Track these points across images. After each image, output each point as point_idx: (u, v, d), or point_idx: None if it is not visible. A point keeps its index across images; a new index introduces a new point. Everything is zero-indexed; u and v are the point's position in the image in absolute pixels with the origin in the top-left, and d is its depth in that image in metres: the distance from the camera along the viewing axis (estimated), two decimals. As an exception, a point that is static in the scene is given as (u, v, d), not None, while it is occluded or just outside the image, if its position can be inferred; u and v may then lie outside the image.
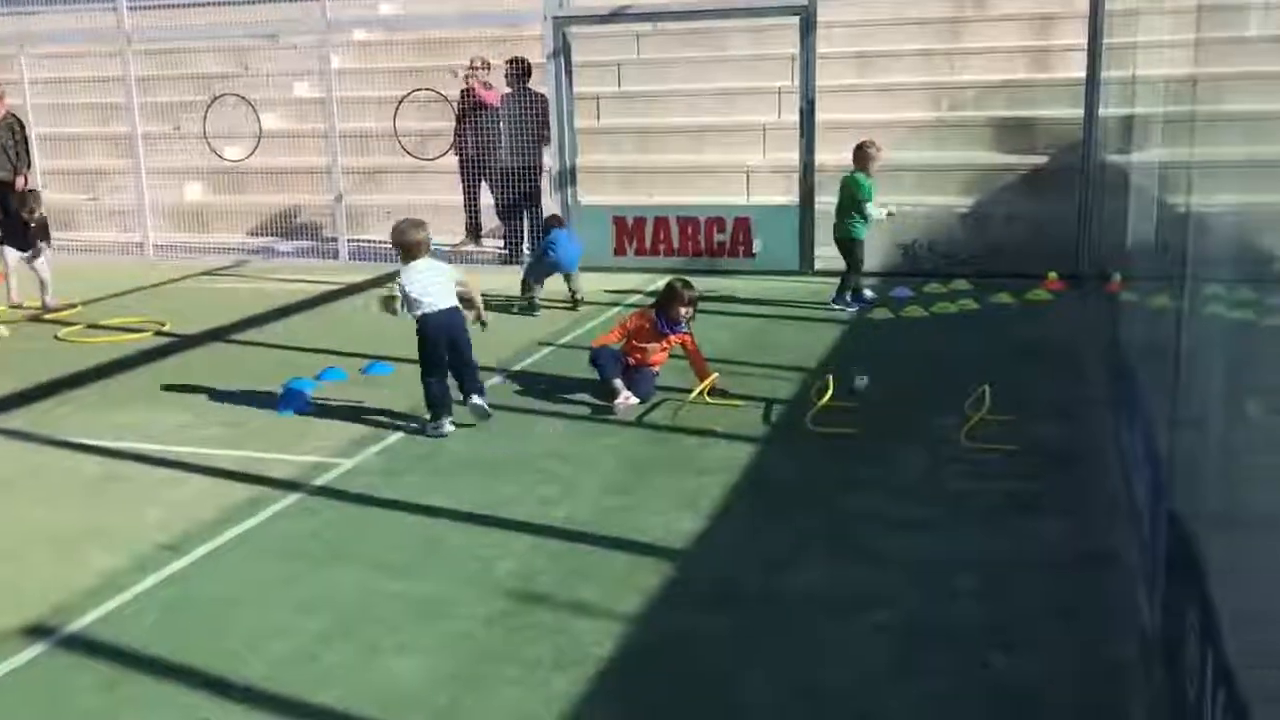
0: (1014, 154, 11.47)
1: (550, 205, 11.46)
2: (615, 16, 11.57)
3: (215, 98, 13.09)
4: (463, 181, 12.23)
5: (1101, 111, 9.49)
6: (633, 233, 11.35)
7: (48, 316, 10.05)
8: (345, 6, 13.35)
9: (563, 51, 11.30)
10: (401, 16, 15.36)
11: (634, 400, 6.87)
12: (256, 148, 12.99)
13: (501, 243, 12.23)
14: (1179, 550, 3.50)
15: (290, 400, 7.15)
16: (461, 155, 12.07)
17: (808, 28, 10.52)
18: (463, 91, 12.04)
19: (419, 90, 12.33)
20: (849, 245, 9.38)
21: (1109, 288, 6.89)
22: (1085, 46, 9.96)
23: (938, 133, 12.05)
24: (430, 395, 6.56)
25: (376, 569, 4.83)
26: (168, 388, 7.69)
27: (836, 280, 9.56)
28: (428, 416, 6.57)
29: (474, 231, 12.47)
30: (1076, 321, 8.66)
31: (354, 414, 6.93)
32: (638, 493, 5.59)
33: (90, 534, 5.27)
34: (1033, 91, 12.02)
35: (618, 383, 6.89)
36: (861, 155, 9.28)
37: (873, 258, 10.19)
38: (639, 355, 7.10)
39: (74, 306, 10.29)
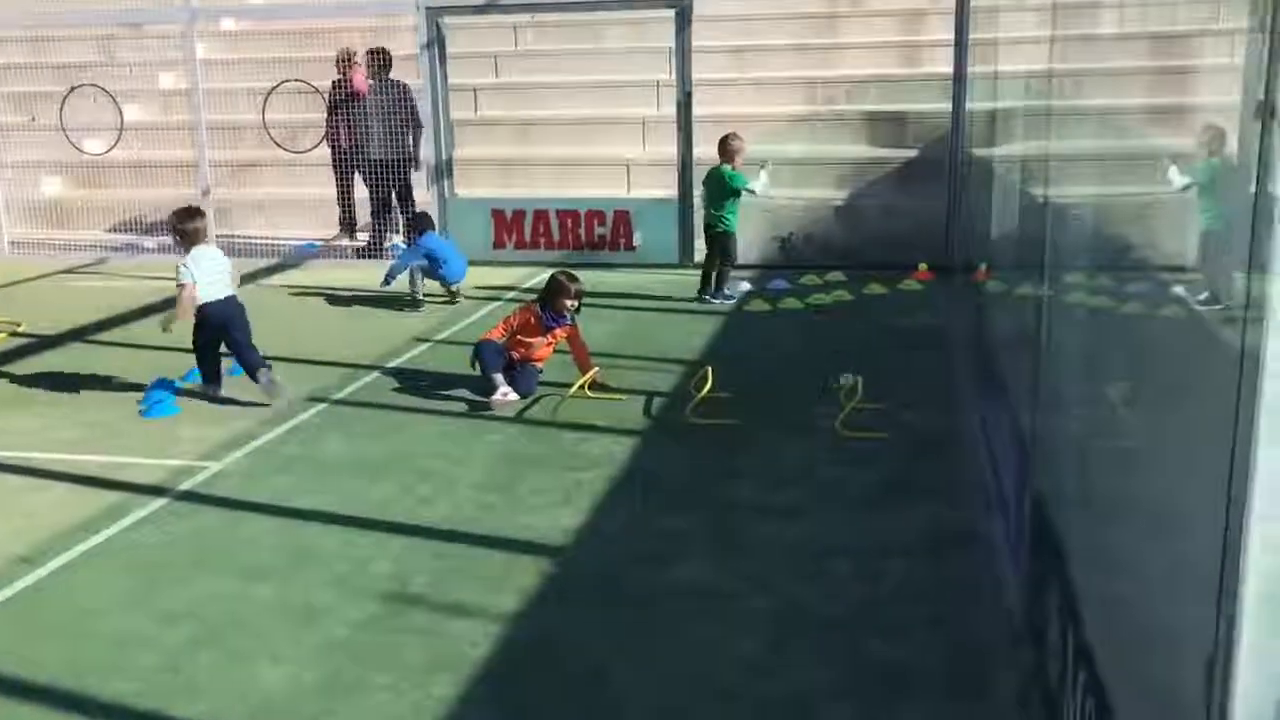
0: (887, 147, 11.70)
1: (427, 198, 11.30)
2: (490, 7, 11.45)
3: (73, 88, 12.55)
4: (335, 175, 11.98)
5: (968, 106, 9.73)
6: (512, 226, 11.26)
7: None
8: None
9: (437, 42, 11.14)
10: (272, 6, 14.93)
11: (513, 396, 6.81)
12: (118, 140, 12.51)
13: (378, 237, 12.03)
14: (1041, 533, 3.61)
15: (155, 402, 6.90)
16: (334, 148, 11.82)
17: (684, 21, 10.56)
18: (334, 82, 11.78)
19: (289, 81, 12.01)
20: (723, 239, 9.48)
21: (975, 277, 7.08)
22: (952, 42, 10.21)
23: (813, 127, 12.21)
24: (204, 372, 7.08)
25: (245, 575, 4.69)
26: (24, 391, 7.36)
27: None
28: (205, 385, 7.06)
29: (349, 226, 12.22)
30: (946, 311, 8.88)
31: (222, 415, 6.72)
32: (517, 490, 5.54)
33: (-63, 548, 5.01)
34: (904, 86, 12.27)
35: (498, 377, 6.82)
36: (726, 149, 9.41)
37: (750, 250, 10.31)
38: (523, 350, 7.03)
39: (-79, 308, 9.78)
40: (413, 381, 7.38)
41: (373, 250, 11.50)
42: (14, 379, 7.66)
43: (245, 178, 13.17)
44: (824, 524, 5.07)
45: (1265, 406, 1.44)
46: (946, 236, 10.16)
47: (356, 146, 11.61)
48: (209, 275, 6.87)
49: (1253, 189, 1.56)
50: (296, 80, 12.04)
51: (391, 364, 7.80)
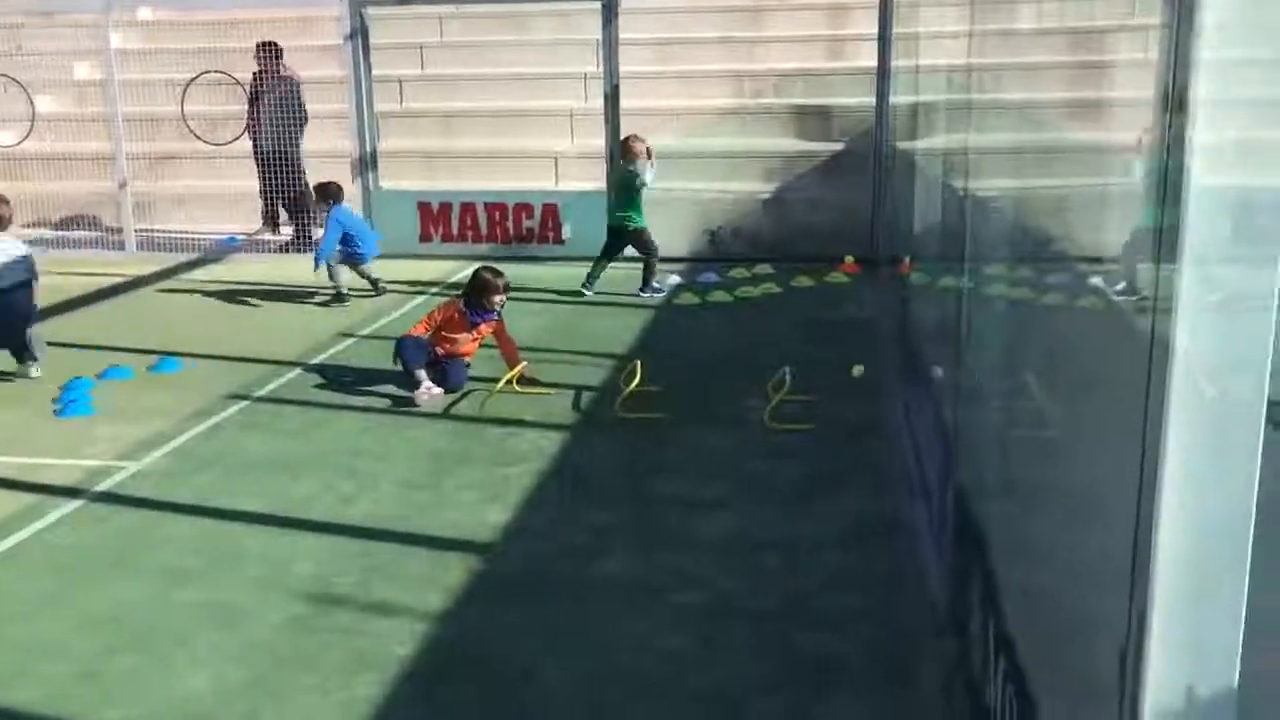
0: (813, 141, 11.77)
1: (350, 191, 11.14)
2: (415, -2, 11.32)
3: (-18, 78, 12.17)
4: (257, 168, 11.77)
5: (892, 99, 9.83)
6: (438, 219, 11.15)
7: None
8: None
9: (361, 33, 10.99)
10: (190, -6, 14.62)
11: (438, 391, 6.74)
12: (30, 132, 12.16)
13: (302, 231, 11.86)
14: (963, 523, 3.65)
15: (70, 402, 6.72)
16: (255, 140, 11.61)
17: (610, 13, 10.53)
18: (255, 74, 11.57)
19: (208, 72, 11.76)
20: (637, 235, 9.56)
21: (900, 270, 7.16)
22: (876, 35, 10.30)
23: (740, 120, 12.25)
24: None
25: (165, 577, 4.59)
26: (-70, 392, 7.13)
27: (642, 267, 9.66)
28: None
29: (271, 219, 12.01)
30: (871, 303, 8.97)
31: (141, 414, 6.56)
32: (443, 486, 5.49)
33: None
34: (829, 80, 12.36)
35: (420, 373, 6.75)
36: (628, 149, 9.60)
37: (679, 244, 10.32)
38: (448, 346, 6.96)
39: None
40: (337, 378, 7.27)
41: (298, 245, 11.32)
42: (-80, 379, 7.41)
43: (164, 171, 12.87)
44: (752, 517, 5.09)
45: (1175, 396, 1.46)
46: (872, 229, 10.26)
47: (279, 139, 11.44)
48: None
49: (1159, 180, 1.58)
50: (216, 71, 11.80)
51: (315, 360, 7.68)
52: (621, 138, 9.77)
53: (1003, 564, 3.07)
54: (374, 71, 11.31)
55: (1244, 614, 1.48)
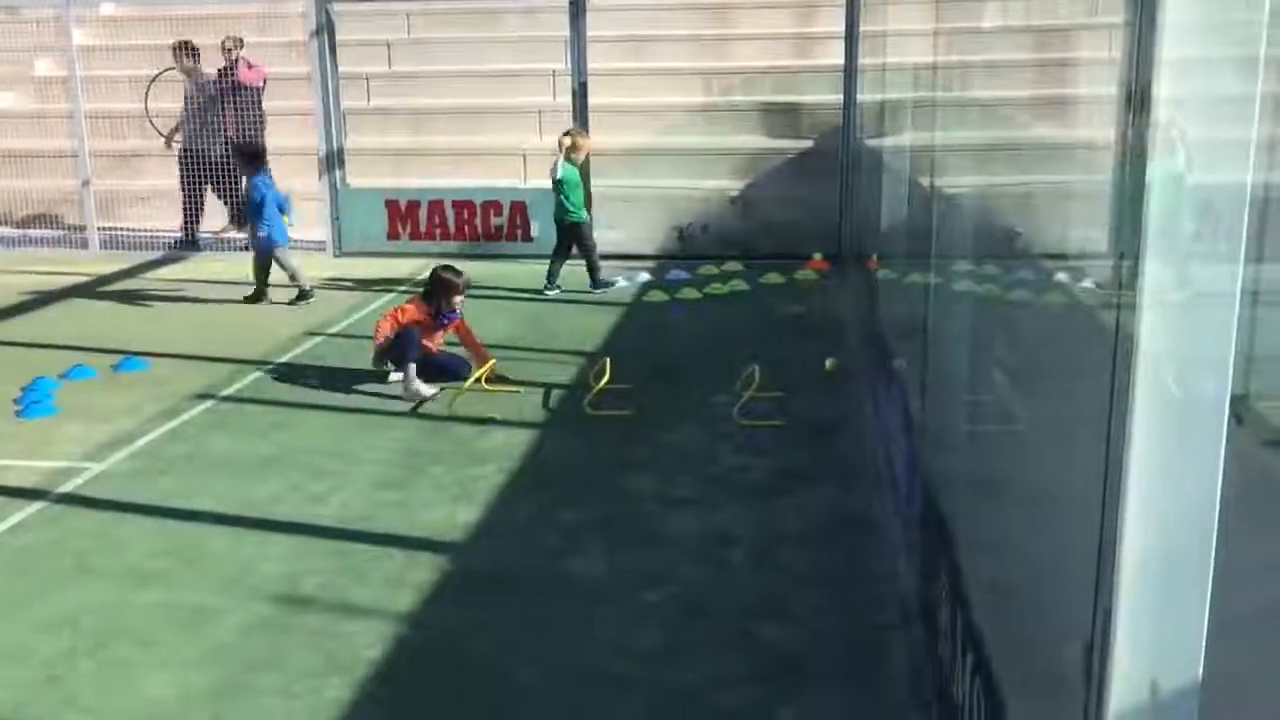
0: (782, 138, 11.79)
1: (319, 188, 11.09)
2: (381, -5, 11.26)
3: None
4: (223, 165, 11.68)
5: (859, 97, 9.86)
6: (406, 216, 11.09)
7: None
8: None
9: (327, 29, 10.91)
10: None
11: (430, 391, 6.68)
12: (-10, 129, 12.00)
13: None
14: (931, 517, 3.67)
15: (32, 402, 6.63)
16: (221, 137, 11.51)
17: (578, 10, 10.51)
18: (220, 70, 11.47)
19: (171, 69, 11.64)
20: (575, 229, 9.50)
21: (867, 266, 7.18)
22: (843, 34, 10.33)
23: (709, 117, 12.26)
24: None
25: (129, 580, 4.53)
26: (-111, 393, 7.01)
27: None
28: None
29: (237, 217, 11.91)
30: (839, 299, 9.00)
31: (105, 414, 6.49)
32: (413, 486, 5.45)
33: None
34: (797, 77, 12.38)
35: (412, 368, 6.69)
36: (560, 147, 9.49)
37: (648, 241, 10.31)
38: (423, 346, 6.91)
39: None
40: (304, 377, 7.22)
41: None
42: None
43: (128, 169, 12.73)
44: (721, 513, 5.09)
45: (1140, 392, 1.47)
46: (840, 227, 10.30)
47: (243, 135, 11.37)
48: None
49: (1122, 176, 1.59)
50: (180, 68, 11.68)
51: (281, 359, 7.62)
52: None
53: (970, 559, 3.08)
54: (340, 68, 11.24)
55: (1208, 611, 1.49)
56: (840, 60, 10.45)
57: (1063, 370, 2.41)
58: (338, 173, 11.13)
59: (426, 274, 7.16)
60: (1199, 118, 1.50)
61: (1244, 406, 2.10)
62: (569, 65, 10.89)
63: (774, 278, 9.76)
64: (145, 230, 11.81)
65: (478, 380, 6.79)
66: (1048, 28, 3.12)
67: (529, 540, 4.88)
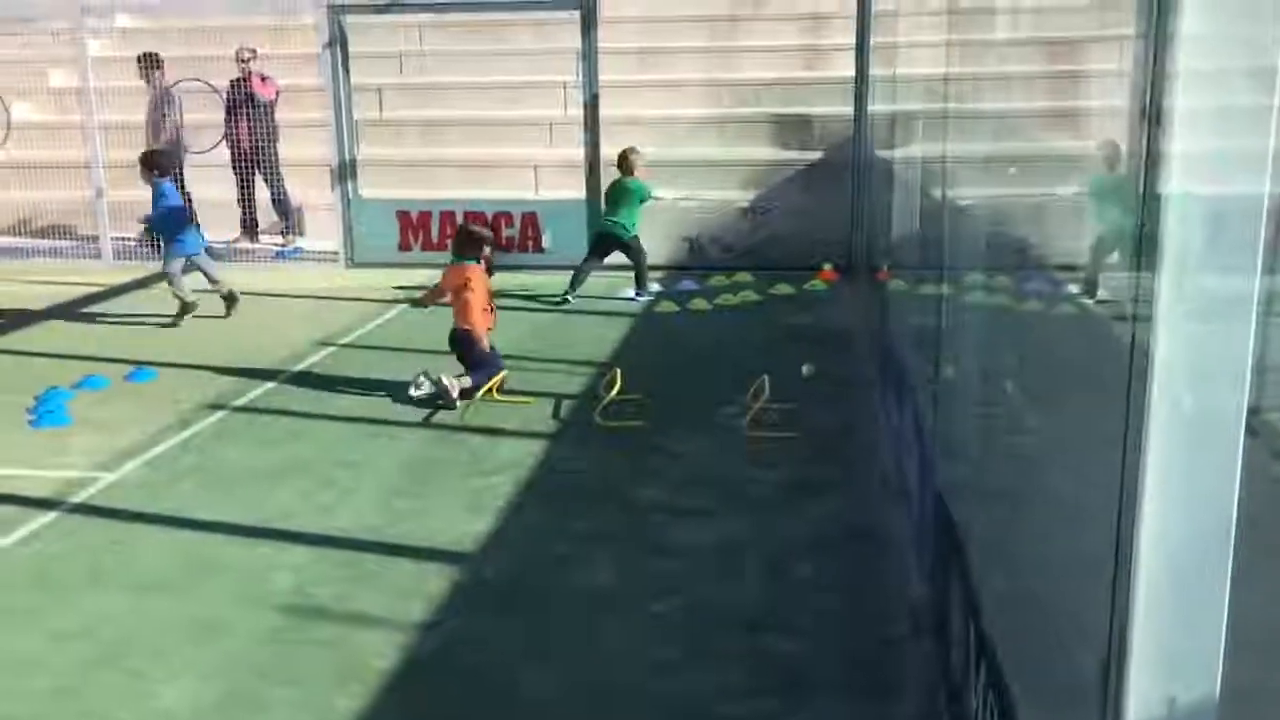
0: (791, 150, 11.80)
1: (332, 199, 11.15)
2: (392, 6, 11.30)
3: (-44, 86, 12.08)
4: (236, 176, 11.75)
5: (870, 109, 9.87)
6: (418, 227, 11.12)
7: None
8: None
9: (339, 41, 10.96)
10: (167, 2, 14.56)
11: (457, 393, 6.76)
12: (6, 139, 12.06)
13: (281, 239, 11.86)
14: (943, 528, 3.66)
15: (46, 412, 6.66)
16: (234, 149, 11.57)
17: (590, 23, 10.54)
18: (233, 81, 11.54)
19: (186, 80, 11.71)
20: (635, 243, 9.67)
21: (878, 277, 7.18)
22: (854, 46, 10.34)
23: (719, 129, 12.27)
24: None
25: (142, 590, 4.55)
26: (-97, 403, 7.05)
27: (627, 275, 9.74)
28: None
29: (250, 228, 11.98)
30: (850, 310, 8.99)
31: (117, 424, 6.50)
32: (424, 496, 5.46)
33: None
34: (807, 89, 12.40)
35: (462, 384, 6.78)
36: (627, 162, 9.78)
37: (658, 252, 10.32)
38: (487, 316, 7.06)
39: None
40: (316, 386, 7.23)
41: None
42: (-107, 390, 7.33)
43: (139, 180, 12.76)
44: (731, 524, 5.09)
45: (1154, 404, 1.47)
46: (850, 238, 10.29)
47: (257, 147, 11.44)
48: None
49: (1140, 188, 1.59)
50: (193, 79, 11.75)
51: (293, 369, 7.64)
52: (620, 150, 9.86)
53: (983, 570, 3.07)
54: (353, 80, 11.28)
55: (1225, 624, 1.49)
56: (850, 72, 10.46)
57: (1076, 382, 2.41)
58: (350, 183, 11.17)
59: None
60: (1214, 130, 1.50)
61: (1256, 418, 2.10)
62: (580, 77, 10.92)
63: (784, 288, 9.75)
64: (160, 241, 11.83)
65: (489, 391, 6.80)
66: (1059, 40, 3.12)
67: (540, 550, 4.88)
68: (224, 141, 11.64)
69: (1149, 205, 1.54)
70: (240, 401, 6.94)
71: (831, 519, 5.13)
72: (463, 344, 6.96)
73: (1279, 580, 1.88)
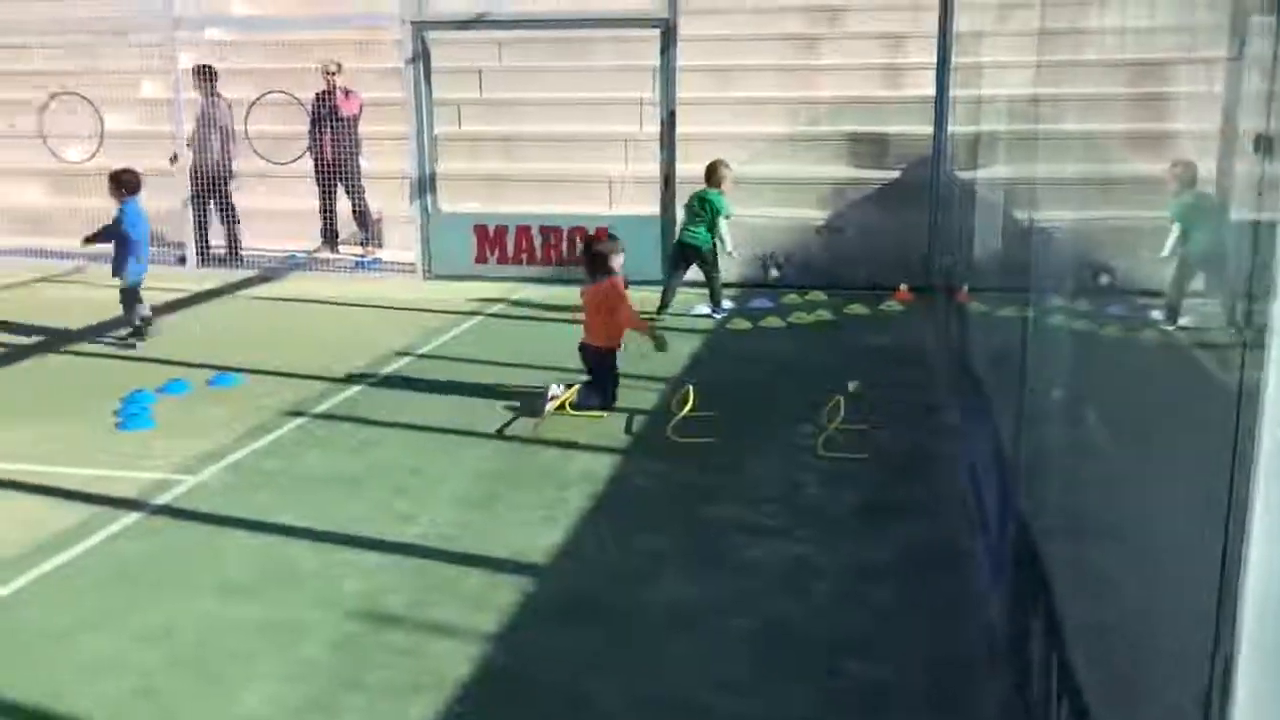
0: (867, 169, 11.73)
1: (411, 211, 11.32)
2: (475, 22, 11.44)
3: (52, 95, 12.46)
4: (319, 187, 11.97)
5: (950, 129, 9.78)
6: (495, 241, 11.24)
7: None
8: (196, 4, 12.89)
9: (422, 56, 11.13)
10: (255, 17, 14.92)
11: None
12: (99, 149, 12.41)
13: (361, 249, 12.06)
14: (1025, 555, 3.60)
15: (131, 415, 6.82)
16: (317, 160, 11.80)
17: (668, 40, 10.58)
18: (318, 95, 11.77)
19: (272, 92, 11.96)
20: (709, 254, 9.65)
21: (957, 298, 7.09)
22: (934, 65, 10.26)
23: (794, 147, 12.24)
24: None
25: (222, 593, 4.63)
26: (-3, 402, 7.27)
27: (702, 291, 9.79)
28: None
29: (331, 238, 12.19)
30: (927, 331, 8.89)
31: (200, 428, 6.65)
32: (496, 507, 5.50)
33: (-94, 561, 4.92)
34: (885, 108, 12.32)
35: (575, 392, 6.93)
36: (715, 174, 9.73)
37: (732, 269, 10.31)
38: (620, 329, 7.21)
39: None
40: (394, 396, 7.33)
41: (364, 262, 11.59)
42: (-12, 390, 7.57)
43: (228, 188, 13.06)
44: (804, 543, 5.05)
45: (1266, 438, 1.43)
46: (927, 258, 10.19)
47: (340, 159, 11.67)
48: None
49: (1255, 218, 1.55)
50: (280, 91, 12.00)
51: (373, 377, 7.75)
52: (710, 161, 9.84)
53: (1067, 600, 3.01)
54: (434, 94, 11.44)
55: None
56: (930, 91, 10.38)
57: (1164, 410, 2.36)
58: (429, 197, 11.32)
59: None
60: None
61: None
62: (657, 94, 10.96)
63: (859, 308, 9.68)
64: (244, 248, 12.10)
65: (561, 406, 6.83)
66: (1150, 61, 3.07)
67: (611, 564, 4.88)
68: (308, 153, 11.87)
69: (1260, 233, 1.51)
70: (320, 409, 7.05)
71: (905, 541, 5.06)
72: (606, 361, 7.08)
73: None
